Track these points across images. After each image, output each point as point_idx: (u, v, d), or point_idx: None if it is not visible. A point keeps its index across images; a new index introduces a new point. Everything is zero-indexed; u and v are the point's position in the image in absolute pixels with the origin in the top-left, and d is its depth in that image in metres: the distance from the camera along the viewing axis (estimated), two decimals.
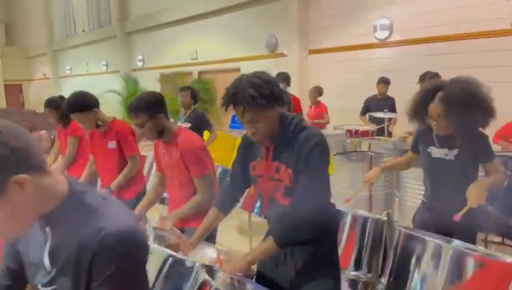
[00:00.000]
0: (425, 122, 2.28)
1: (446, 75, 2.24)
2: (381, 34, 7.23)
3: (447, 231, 2.20)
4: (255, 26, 9.50)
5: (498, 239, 3.77)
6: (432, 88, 2.18)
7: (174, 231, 2.20)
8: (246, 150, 1.91)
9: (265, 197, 1.83)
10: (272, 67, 8.87)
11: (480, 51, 6.09)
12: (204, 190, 2.39)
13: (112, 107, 10.39)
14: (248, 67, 9.83)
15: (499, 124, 5.11)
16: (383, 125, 5.72)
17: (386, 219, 2.24)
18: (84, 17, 16.75)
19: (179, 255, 1.66)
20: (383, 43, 7.27)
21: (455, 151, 2.24)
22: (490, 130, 5.31)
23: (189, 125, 4.60)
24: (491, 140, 4.88)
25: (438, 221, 2.30)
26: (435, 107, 2.16)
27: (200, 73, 11.50)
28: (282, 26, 8.76)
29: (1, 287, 1.14)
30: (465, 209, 2.04)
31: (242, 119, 1.66)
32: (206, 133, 4.88)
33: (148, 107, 2.32)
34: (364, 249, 2.24)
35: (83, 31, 16.91)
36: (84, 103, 2.97)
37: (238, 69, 9.76)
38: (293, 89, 8.45)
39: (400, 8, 6.97)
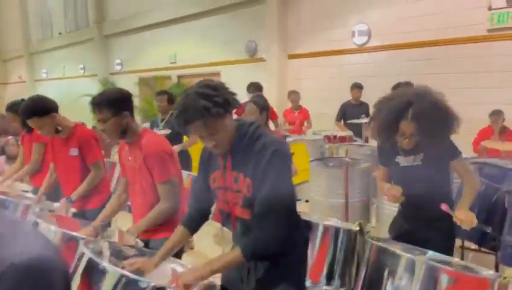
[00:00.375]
0: (393, 139, 2.20)
1: (424, 82, 2.19)
2: (360, 40, 7.22)
3: (424, 239, 2.16)
4: (235, 31, 9.41)
5: (475, 246, 3.74)
6: (400, 105, 2.10)
7: (136, 246, 2.06)
8: (206, 162, 1.82)
9: (225, 211, 1.73)
10: (251, 72, 8.88)
11: (458, 57, 6.12)
12: (167, 196, 2.25)
13: (88, 112, 10.03)
14: (228, 72, 9.76)
15: (477, 129, 5.19)
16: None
17: (358, 229, 2.15)
18: (61, 19, 16.38)
19: (133, 275, 1.53)
20: (361, 49, 7.27)
21: (421, 156, 2.22)
22: (468, 137, 5.31)
23: (168, 131, 4.45)
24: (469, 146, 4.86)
25: (415, 229, 2.25)
26: (408, 124, 2.09)
27: (180, 77, 11.33)
28: (261, 31, 8.70)
29: None
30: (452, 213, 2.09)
31: (199, 134, 1.57)
32: (186, 138, 4.74)
33: (113, 103, 2.21)
34: (336, 262, 2.15)
35: (60, 33, 16.53)
36: (41, 107, 2.80)
37: (217, 74, 9.65)
38: (272, 94, 8.44)
39: (378, 14, 6.98)
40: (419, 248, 2.09)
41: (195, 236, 2.04)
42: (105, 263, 1.56)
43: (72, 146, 2.92)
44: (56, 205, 2.87)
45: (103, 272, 1.53)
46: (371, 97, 6.00)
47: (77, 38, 15.18)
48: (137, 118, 10.64)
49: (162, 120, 4.88)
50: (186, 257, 4.20)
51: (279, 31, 8.30)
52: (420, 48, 6.48)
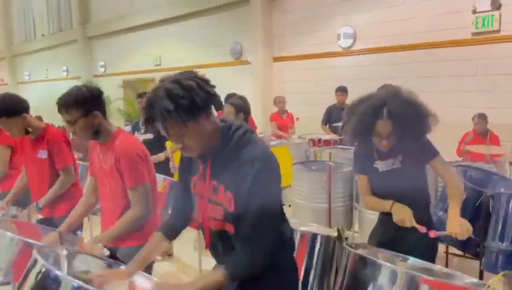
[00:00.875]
0: (369, 141, 2.10)
1: (410, 85, 2.11)
2: (345, 42, 7.18)
3: (408, 246, 2.07)
4: (220, 33, 9.31)
5: (460, 252, 3.66)
6: (374, 106, 2.01)
7: (101, 256, 1.92)
8: (186, 164, 1.65)
9: (205, 222, 1.56)
10: (236, 75, 8.79)
11: (442, 60, 6.10)
12: (138, 202, 2.10)
13: None
14: (213, 74, 9.50)
15: (459, 134, 5.15)
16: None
17: (336, 235, 2.05)
18: (44, 20, 16.11)
19: (88, 285, 1.39)
20: (347, 52, 7.21)
21: (399, 158, 2.12)
22: (453, 143, 5.25)
23: (151, 136, 4.24)
24: (452, 150, 4.81)
25: (398, 236, 2.15)
26: (384, 124, 2.00)
27: None
28: (247, 33, 8.62)
29: None
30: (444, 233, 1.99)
31: (165, 133, 1.40)
32: (169, 143, 4.55)
33: (81, 103, 2.04)
34: (313, 270, 2.04)
35: (43, 35, 16.26)
36: (10, 107, 2.63)
37: (202, 76, 9.50)
38: (257, 97, 8.35)
39: (364, 17, 6.94)
40: (400, 255, 1.99)
41: (174, 242, 1.89)
42: (58, 272, 1.42)
43: (40, 148, 2.75)
44: (24, 211, 2.71)
45: (56, 281, 1.39)
46: None
47: (60, 40, 14.95)
48: (121, 121, 10.52)
49: (144, 123, 4.69)
50: (164, 265, 4.10)
51: (264, 34, 8.23)
52: (405, 51, 6.45)
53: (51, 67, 16.02)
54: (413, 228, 2.03)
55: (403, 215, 2.04)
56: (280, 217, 1.55)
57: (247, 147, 1.42)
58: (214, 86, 1.41)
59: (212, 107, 1.44)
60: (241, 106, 3.21)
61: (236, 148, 1.43)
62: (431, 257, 2.11)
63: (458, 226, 1.93)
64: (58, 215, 2.75)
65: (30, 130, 2.75)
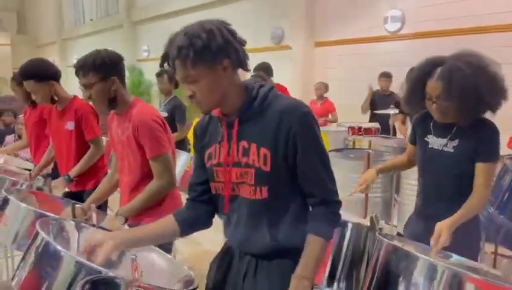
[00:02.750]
0: (423, 106, 1.89)
1: None
2: (392, 26, 6.78)
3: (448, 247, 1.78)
4: (261, 17, 9.11)
5: (510, 252, 3.33)
6: (429, 64, 1.80)
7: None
8: (202, 133, 1.48)
9: (227, 191, 1.40)
10: (277, 60, 8.60)
11: (501, 46, 5.58)
12: (160, 172, 2.00)
13: None
14: (253, 60, 9.37)
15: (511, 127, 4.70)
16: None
17: (369, 224, 1.84)
18: (92, 5, 16.55)
19: (94, 265, 1.26)
20: (394, 36, 6.82)
21: (455, 142, 1.85)
22: (504, 136, 4.81)
23: (165, 115, 4.15)
24: (503, 142, 4.41)
25: (427, 228, 1.88)
26: (433, 85, 1.78)
27: None
28: (288, 18, 8.36)
29: None
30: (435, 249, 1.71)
31: (177, 77, 1.31)
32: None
33: (100, 66, 1.96)
34: (341, 261, 1.84)
35: (91, 19, 16.73)
36: (40, 71, 2.63)
37: None
38: (297, 83, 8.11)
39: None
40: (442, 251, 1.76)
41: None
42: (59, 246, 1.31)
43: (68, 119, 2.72)
44: (52, 183, 2.69)
45: (55, 255, 1.29)
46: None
47: (107, 24, 15.30)
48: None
49: (164, 102, 4.54)
50: (178, 245, 3.95)
51: (306, 18, 7.95)
52: (460, 35, 5.92)
53: None
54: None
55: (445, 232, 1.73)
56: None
57: (276, 100, 1.33)
58: (240, 41, 1.32)
59: (237, 66, 1.31)
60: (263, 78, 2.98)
61: (264, 103, 1.33)
62: (474, 256, 1.85)
63: (445, 234, 1.68)
64: (88, 188, 2.72)
65: (56, 98, 2.71)
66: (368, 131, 5.56)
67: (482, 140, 1.81)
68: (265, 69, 4.88)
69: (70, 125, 2.72)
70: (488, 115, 1.84)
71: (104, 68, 1.97)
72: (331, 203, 1.37)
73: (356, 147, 5.01)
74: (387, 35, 6.90)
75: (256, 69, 4.91)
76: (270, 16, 8.91)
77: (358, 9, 7.27)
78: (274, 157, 1.30)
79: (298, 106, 1.31)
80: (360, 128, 5.62)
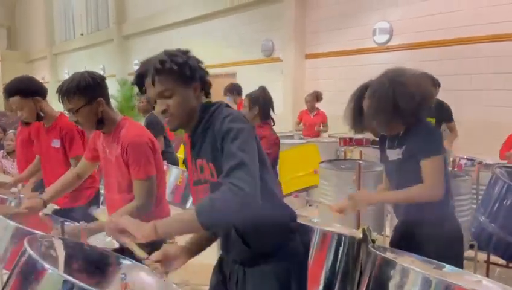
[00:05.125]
0: (364, 125, 2.07)
1: (449, 82, 1.93)
2: (381, 38, 6.86)
3: (416, 246, 1.88)
4: (251, 30, 9.18)
5: (502, 261, 3.34)
6: (361, 87, 2.03)
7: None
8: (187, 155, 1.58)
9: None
10: (268, 73, 8.62)
11: (484, 57, 5.68)
12: (141, 195, 1.99)
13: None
14: (244, 72, 9.51)
15: (504, 134, 4.76)
16: None
17: (361, 236, 1.83)
18: (83, 20, 16.58)
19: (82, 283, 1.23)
20: (383, 48, 6.90)
21: (402, 149, 1.98)
22: (496, 144, 4.82)
23: None
24: (496, 150, 4.42)
25: (407, 233, 2.02)
26: (366, 103, 1.98)
27: None
28: (279, 30, 8.45)
29: None
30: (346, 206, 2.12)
31: (152, 93, 1.38)
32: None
33: (84, 90, 1.94)
34: (334, 274, 1.83)
35: (81, 34, 16.74)
36: (25, 88, 2.61)
37: (233, 74, 9.41)
38: (288, 95, 8.16)
39: (401, 11, 6.60)
40: (434, 261, 1.76)
41: None
42: (44, 263, 1.28)
43: (54, 137, 2.70)
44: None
45: (42, 273, 1.26)
46: None
47: (98, 39, 15.31)
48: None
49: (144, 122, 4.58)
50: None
51: (296, 30, 8.02)
52: (446, 46, 6.04)
53: (89, 66, 16.33)
54: (418, 225, 1.92)
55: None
56: (262, 164, 1.36)
57: (218, 116, 1.39)
58: (205, 70, 1.46)
59: (202, 90, 1.46)
60: (256, 98, 3.01)
61: (209, 121, 1.41)
62: (450, 260, 1.85)
63: (360, 195, 2.08)
64: (76, 205, 2.68)
65: (42, 114, 2.69)
66: (359, 142, 5.58)
67: (417, 141, 1.92)
68: (233, 90, 5.05)
69: (56, 143, 2.70)
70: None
71: (89, 91, 1.96)
72: (229, 177, 1.26)
73: (347, 157, 5.03)
74: (376, 47, 6.98)
75: (226, 90, 5.07)
76: (260, 28, 8.97)
77: (348, 21, 7.35)
78: (218, 169, 1.34)
79: (228, 115, 1.35)
80: (351, 139, 5.64)
